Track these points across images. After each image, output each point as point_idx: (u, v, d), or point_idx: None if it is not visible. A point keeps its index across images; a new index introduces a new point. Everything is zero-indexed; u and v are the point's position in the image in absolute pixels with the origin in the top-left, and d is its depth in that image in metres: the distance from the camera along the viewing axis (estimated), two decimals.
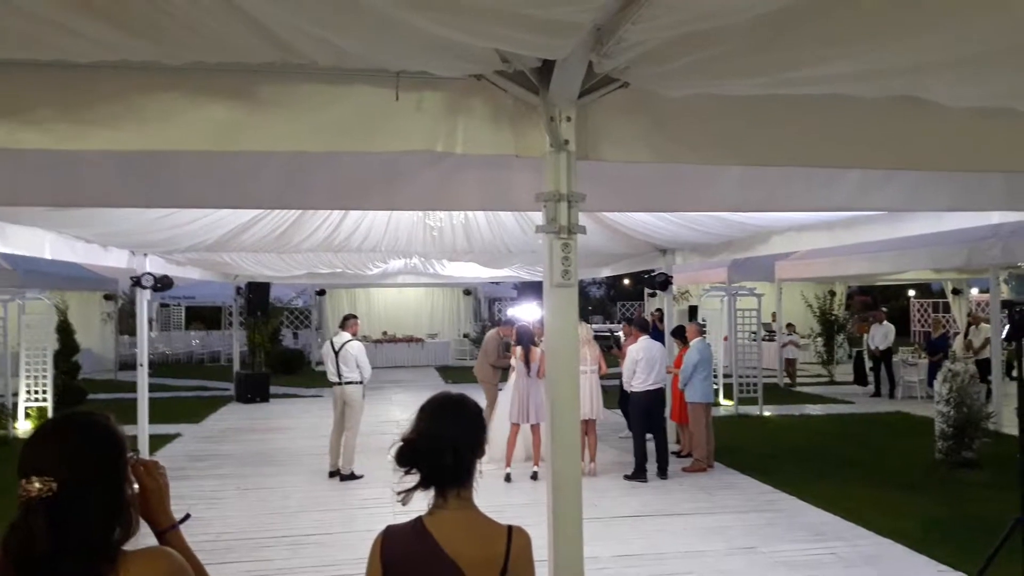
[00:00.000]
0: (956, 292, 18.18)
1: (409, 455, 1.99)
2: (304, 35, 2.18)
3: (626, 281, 38.23)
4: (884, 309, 18.80)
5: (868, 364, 16.83)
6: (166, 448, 10.71)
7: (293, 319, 24.74)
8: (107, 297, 21.41)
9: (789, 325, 18.49)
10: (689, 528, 7.00)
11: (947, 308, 19.87)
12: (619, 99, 2.72)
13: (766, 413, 13.51)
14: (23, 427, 11.94)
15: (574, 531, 2.73)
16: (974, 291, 19.60)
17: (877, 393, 16.04)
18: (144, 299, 9.74)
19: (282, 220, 7.74)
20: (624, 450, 9.60)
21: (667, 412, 9.72)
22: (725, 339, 14.69)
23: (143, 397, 9.54)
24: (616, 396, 11.02)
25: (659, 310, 13.86)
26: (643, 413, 8.89)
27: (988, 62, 2.29)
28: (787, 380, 17.74)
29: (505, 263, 12.85)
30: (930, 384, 13.10)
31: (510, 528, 2.01)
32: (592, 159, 2.79)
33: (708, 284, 17.22)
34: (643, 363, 8.85)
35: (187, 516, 1.82)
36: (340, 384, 8.95)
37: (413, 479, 1.99)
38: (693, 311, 16.80)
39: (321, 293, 24.17)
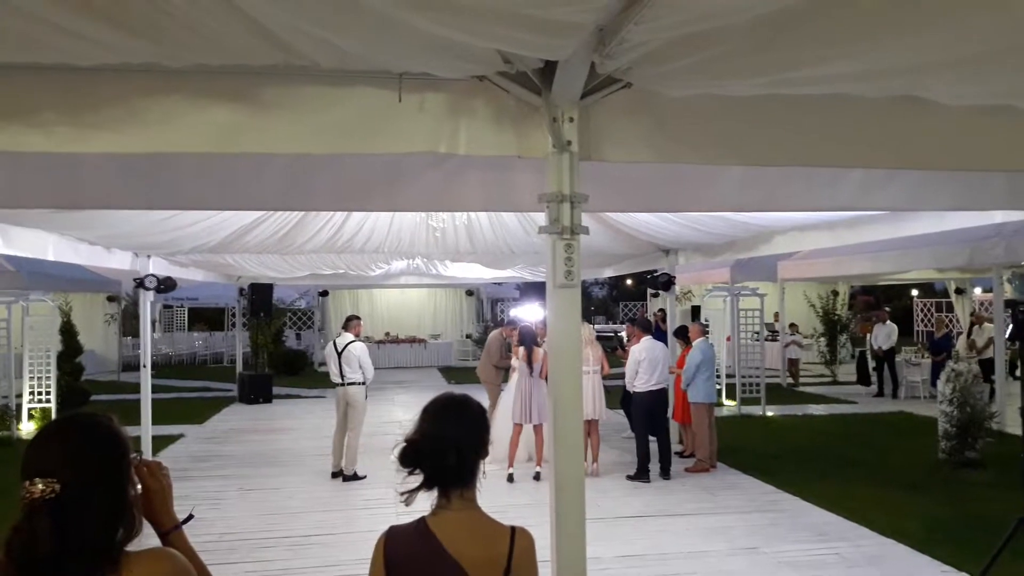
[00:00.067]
0: (959, 292, 18.16)
1: (412, 456, 1.99)
2: (304, 36, 2.18)
3: (629, 281, 38.24)
4: (887, 309, 18.76)
5: (871, 364, 16.81)
6: (169, 449, 10.73)
7: (296, 320, 24.77)
8: (110, 299, 21.43)
9: (792, 325, 18.47)
10: (692, 528, 7.00)
11: (950, 308, 19.84)
12: (621, 100, 2.72)
13: (769, 413, 13.50)
14: (27, 428, 11.96)
15: (577, 531, 2.73)
16: (977, 291, 19.57)
17: (880, 393, 16.01)
18: (147, 300, 9.76)
19: (285, 222, 7.75)
20: (626, 450, 9.60)
21: (670, 412, 9.71)
22: (728, 339, 14.68)
23: (146, 398, 9.56)
24: (619, 396, 11.01)
25: (662, 310, 13.85)
26: (646, 413, 8.88)
27: (988, 61, 2.29)
28: (790, 380, 17.71)
29: (508, 264, 12.86)
30: (933, 384, 13.08)
31: (513, 529, 2.01)
32: (595, 160, 2.80)
33: (711, 284, 17.21)
34: (646, 363, 8.84)
35: (190, 517, 1.82)
36: (343, 385, 8.96)
37: (416, 480, 1.99)
38: (696, 311, 16.80)
39: (324, 294, 24.19)
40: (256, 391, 15.77)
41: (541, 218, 2.82)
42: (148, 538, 1.65)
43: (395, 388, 17.84)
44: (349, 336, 9.07)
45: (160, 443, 10.53)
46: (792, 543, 6.52)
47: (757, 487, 8.46)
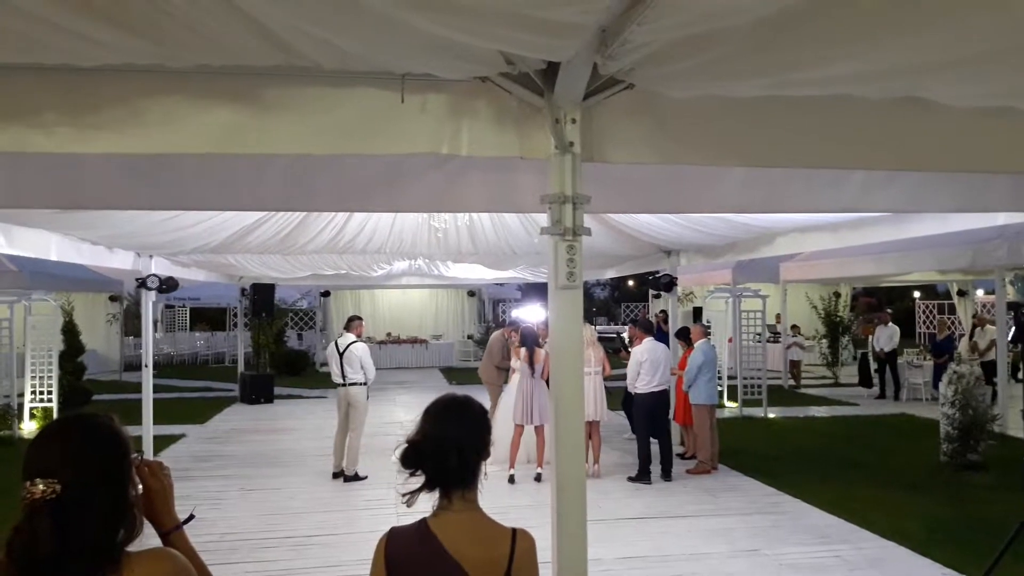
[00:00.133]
0: (961, 293, 18.13)
1: (414, 457, 1.99)
2: (305, 36, 2.18)
3: (630, 282, 38.22)
4: (889, 311, 18.74)
5: (873, 366, 16.80)
6: (170, 449, 10.73)
7: (298, 320, 24.78)
8: (112, 298, 21.46)
9: (794, 327, 18.46)
10: (693, 530, 6.99)
11: (952, 310, 19.81)
12: (624, 101, 2.72)
13: (770, 415, 13.49)
14: (28, 428, 11.97)
15: (578, 533, 2.73)
16: (979, 292, 19.54)
17: (882, 395, 16.00)
18: (149, 300, 9.77)
19: (287, 222, 7.75)
20: (628, 452, 9.59)
21: (671, 414, 9.70)
22: (730, 341, 14.67)
23: (148, 398, 9.56)
24: (620, 398, 11.00)
25: (664, 312, 13.85)
26: (647, 415, 8.88)
27: (989, 61, 2.29)
28: (792, 382, 17.70)
29: (510, 265, 12.86)
30: (935, 386, 13.07)
31: (514, 531, 2.01)
32: (597, 161, 2.79)
33: (713, 285, 17.19)
34: (647, 365, 8.84)
35: (191, 517, 1.82)
36: (344, 385, 8.96)
37: (418, 480, 1.99)
38: (698, 313, 16.81)
39: (326, 295, 24.20)
40: (258, 391, 15.79)
41: (543, 219, 2.81)
42: (149, 538, 1.65)
43: (396, 389, 17.84)
44: (351, 336, 9.08)
45: (161, 443, 10.53)
46: (793, 545, 6.52)
47: (758, 489, 8.45)
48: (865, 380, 17.04)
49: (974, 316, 16.63)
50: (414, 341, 24.38)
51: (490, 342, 11.47)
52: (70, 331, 14.66)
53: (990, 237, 10.02)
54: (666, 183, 4.41)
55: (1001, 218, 6.05)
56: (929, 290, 26.91)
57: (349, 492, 8.44)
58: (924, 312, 23.05)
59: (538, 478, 8.69)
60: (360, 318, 9.58)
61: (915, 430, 12.02)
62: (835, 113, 2.84)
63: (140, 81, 2.47)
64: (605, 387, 9.24)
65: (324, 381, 15.89)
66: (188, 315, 27.96)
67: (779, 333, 18.67)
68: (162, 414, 11.14)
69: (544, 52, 2.36)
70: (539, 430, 8.76)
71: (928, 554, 6.16)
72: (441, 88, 2.66)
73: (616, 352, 12.68)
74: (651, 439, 8.90)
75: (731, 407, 13.89)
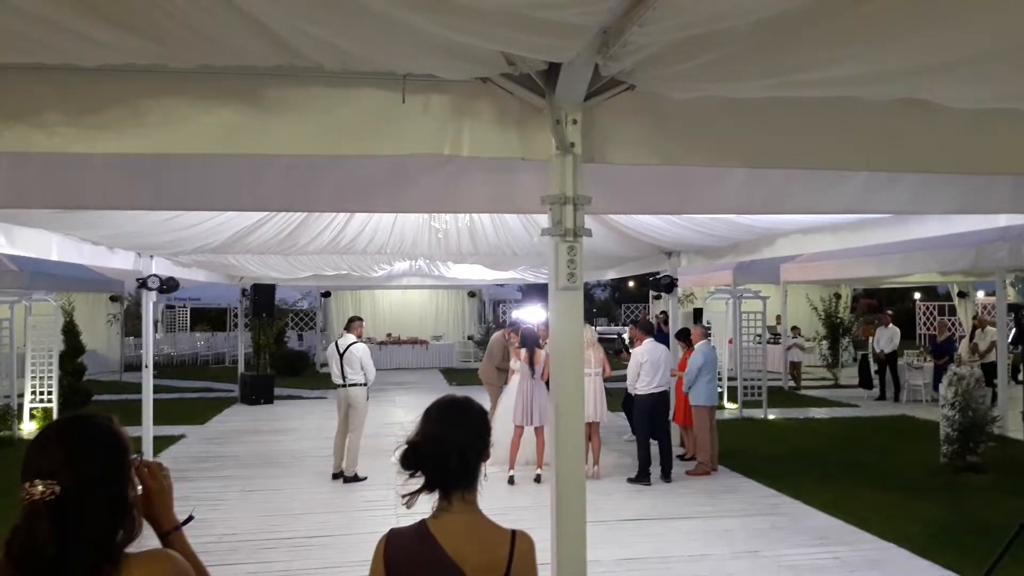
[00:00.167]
0: (962, 295, 18.13)
1: (414, 458, 1.99)
2: (306, 36, 2.18)
3: (631, 283, 38.22)
4: (889, 312, 18.74)
5: (873, 367, 16.79)
6: (170, 449, 10.73)
7: (298, 321, 24.78)
8: (113, 299, 21.46)
9: (794, 328, 18.46)
10: (692, 531, 6.99)
11: (952, 311, 19.81)
12: (625, 102, 2.72)
13: (770, 416, 13.48)
14: (28, 428, 11.97)
15: (577, 534, 2.73)
16: (980, 294, 19.54)
17: (882, 396, 16.00)
18: (150, 301, 9.77)
19: (288, 222, 7.75)
20: (627, 453, 9.59)
21: (671, 415, 9.69)
22: (730, 342, 14.67)
23: (148, 398, 9.56)
24: (620, 399, 10.99)
25: (664, 312, 13.85)
26: (647, 416, 8.87)
27: (990, 63, 2.29)
28: (792, 383, 17.69)
29: (510, 265, 12.86)
30: (935, 388, 13.06)
31: (514, 532, 2.01)
32: (598, 162, 2.80)
33: (713, 287, 17.18)
34: (647, 366, 8.83)
35: (190, 518, 1.81)
36: (344, 386, 8.96)
37: (417, 482, 1.99)
38: (698, 314, 16.80)
39: (326, 295, 24.20)
40: (258, 392, 15.78)
41: (543, 219, 2.81)
42: (148, 539, 1.65)
43: (396, 389, 17.84)
44: (351, 337, 9.08)
45: (161, 443, 10.53)
46: (793, 547, 6.51)
47: (758, 490, 8.45)
48: (865, 381, 17.04)
49: (974, 317, 16.63)
50: (414, 342, 24.37)
51: (490, 343, 11.47)
52: (70, 331, 14.65)
53: (991, 239, 10.01)
54: (667, 184, 4.41)
55: (1002, 220, 6.04)
56: (930, 291, 26.92)
57: (349, 493, 8.44)
58: (924, 313, 23.05)
59: (538, 479, 8.68)
60: (360, 319, 9.58)
61: (915, 432, 12.01)
62: (836, 114, 2.85)
63: (141, 81, 2.48)
64: (605, 388, 9.24)
65: (324, 382, 15.89)
66: (189, 315, 27.97)
67: (779, 334, 18.67)
68: (162, 415, 11.13)
69: (545, 53, 2.37)
70: (539, 431, 8.75)
71: (927, 556, 6.16)
72: (443, 89, 2.66)
73: (617, 353, 12.68)
74: (651, 440, 8.89)
75: (731, 408, 13.88)
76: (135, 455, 1.66)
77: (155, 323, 16.43)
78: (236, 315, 20.20)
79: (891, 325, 16.29)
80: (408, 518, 2.04)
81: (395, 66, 2.52)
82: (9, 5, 1.89)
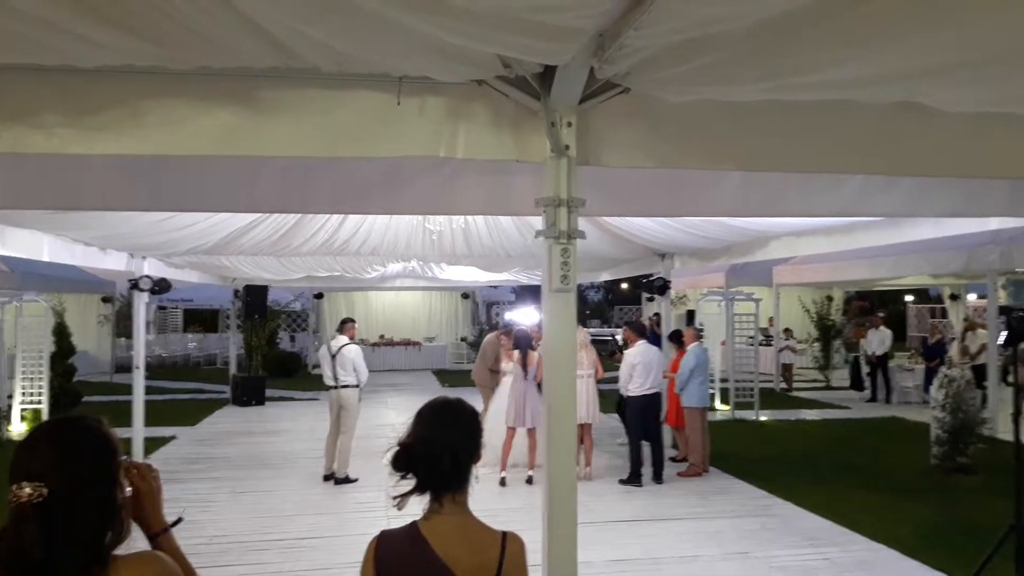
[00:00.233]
0: (954, 297, 18.22)
1: (405, 459, 1.99)
2: (302, 38, 2.18)
3: (624, 285, 38.26)
4: (881, 314, 18.82)
5: (865, 369, 16.86)
6: (161, 451, 10.69)
7: (290, 322, 24.72)
8: (105, 299, 21.37)
9: (786, 330, 18.52)
10: (684, 533, 7.00)
11: (944, 313, 19.90)
12: (620, 105, 2.73)
13: (762, 418, 13.52)
14: (18, 429, 11.90)
15: (568, 535, 2.73)
16: (971, 296, 19.64)
17: (873, 398, 16.07)
18: (141, 302, 9.72)
19: (281, 223, 7.74)
20: (619, 454, 9.60)
21: (662, 416, 9.70)
22: (722, 344, 14.71)
23: (139, 400, 9.52)
24: (612, 400, 11.00)
25: (657, 314, 13.87)
26: (639, 417, 8.89)
27: (986, 66, 2.30)
28: (784, 385, 17.75)
29: (504, 267, 12.86)
30: (926, 389, 13.11)
31: (504, 534, 2.01)
32: (592, 164, 2.80)
33: (706, 289, 17.23)
34: (640, 367, 8.85)
35: (179, 519, 1.81)
36: (336, 388, 8.94)
37: (409, 483, 1.99)
38: (691, 316, 16.81)
39: (319, 296, 24.14)
40: (249, 393, 15.73)
41: (538, 221, 2.82)
42: (137, 541, 1.64)
43: (389, 391, 17.81)
44: (343, 339, 9.06)
45: (152, 445, 10.49)
46: (783, 548, 6.53)
47: (749, 492, 8.47)
48: (857, 383, 17.11)
49: (965, 320, 16.71)
50: (407, 343, 24.34)
51: (483, 345, 11.46)
52: (61, 332, 14.58)
53: (983, 242, 10.07)
54: (662, 187, 4.41)
55: (994, 223, 6.06)
56: (921, 294, 27.03)
57: (340, 494, 8.42)
58: (916, 316, 23.15)
59: (530, 481, 8.68)
60: (353, 320, 9.56)
61: (906, 433, 12.06)
62: (832, 117, 2.86)
63: (139, 83, 2.47)
64: (598, 390, 9.25)
65: (316, 383, 15.85)
66: (181, 317, 27.87)
67: (771, 336, 18.72)
68: (153, 416, 11.07)
69: (541, 56, 2.37)
70: (531, 433, 8.75)
71: (917, 557, 6.19)
72: (438, 91, 2.66)
73: (611, 354, 12.69)
74: (643, 441, 8.91)
75: (723, 410, 13.92)
76: (124, 456, 1.65)
77: (147, 324, 16.37)
78: (228, 316, 20.12)
79: (883, 327, 16.36)
80: (399, 520, 2.04)
81: (391, 68, 2.52)
82: (7, 6, 1.88)
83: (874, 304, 25.59)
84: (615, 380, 9.66)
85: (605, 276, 14.00)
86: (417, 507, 2.01)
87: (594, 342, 10.29)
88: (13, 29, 2.03)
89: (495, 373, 10.68)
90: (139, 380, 9.60)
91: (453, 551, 1.94)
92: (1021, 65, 2.26)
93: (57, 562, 1.47)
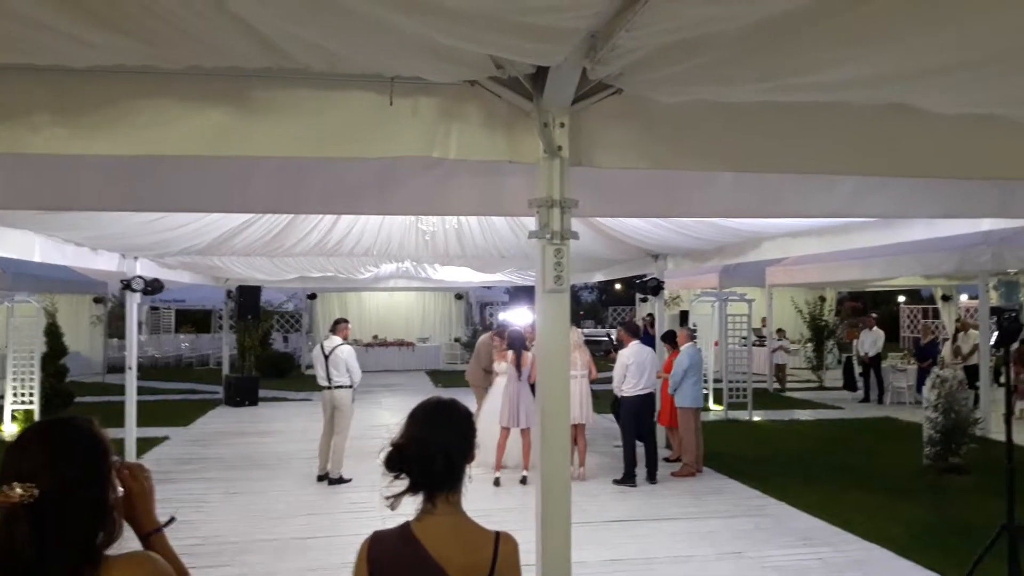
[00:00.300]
0: (946, 298, 18.28)
1: (399, 460, 1.98)
2: (294, 38, 2.18)
3: (618, 286, 38.27)
4: (874, 315, 18.87)
5: (857, 370, 16.92)
6: (153, 451, 10.65)
7: (283, 323, 24.66)
8: (97, 300, 21.28)
9: (779, 331, 18.56)
10: (677, 533, 7.01)
11: (936, 314, 19.97)
12: (613, 105, 2.73)
13: (756, 418, 13.55)
14: (9, 430, 11.85)
15: (562, 535, 2.73)
16: (963, 297, 19.71)
17: (866, 399, 16.11)
18: (134, 302, 9.70)
19: (274, 224, 7.72)
20: (613, 455, 9.60)
21: (656, 416, 9.71)
22: (716, 344, 14.73)
23: (131, 400, 9.49)
24: (606, 400, 11.01)
25: (650, 315, 13.89)
26: (633, 417, 8.90)
27: (978, 69, 2.31)
28: (777, 385, 17.79)
29: (497, 268, 12.86)
30: (919, 390, 13.17)
31: (497, 534, 2.01)
32: (585, 165, 2.80)
33: (699, 289, 17.25)
34: (633, 367, 8.86)
35: (172, 519, 1.81)
36: (330, 388, 8.93)
37: (402, 484, 1.98)
38: (684, 316, 16.84)
39: (312, 297, 24.09)
40: (242, 394, 15.69)
41: (531, 222, 2.82)
42: (129, 541, 1.64)
43: (382, 391, 17.78)
44: (337, 339, 9.05)
45: (144, 445, 10.45)
46: (777, 548, 6.55)
47: (743, 492, 8.48)
48: (849, 384, 17.16)
49: (957, 320, 16.77)
50: (400, 344, 24.31)
51: (478, 345, 11.47)
52: (53, 333, 14.52)
53: (975, 243, 10.12)
54: (654, 187, 4.42)
55: (986, 224, 6.10)
56: (914, 295, 27.11)
57: (333, 495, 8.41)
58: (908, 316, 23.23)
59: (523, 481, 8.68)
60: (346, 321, 9.56)
61: (898, 433, 12.11)
62: (826, 118, 2.86)
63: (131, 83, 2.47)
64: (592, 390, 9.25)
65: (309, 384, 15.82)
66: (173, 317, 27.77)
67: (764, 337, 18.77)
68: (145, 416, 11.05)
69: (533, 57, 2.37)
70: (525, 433, 8.75)
71: (910, 556, 6.20)
72: (431, 91, 2.66)
73: (606, 354, 12.70)
74: (637, 441, 8.92)
75: (716, 410, 13.95)
76: (116, 457, 1.65)
77: (139, 325, 16.31)
78: (221, 317, 20.06)
79: (875, 328, 16.41)
80: (392, 520, 2.04)
81: (383, 68, 2.52)
82: (2, 8, 1.87)
83: (867, 305, 25.68)
84: (609, 380, 9.67)
85: (599, 277, 14.02)
86: (410, 507, 2.01)
87: (588, 343, 10.29)
88: (4, 29, 2.02)
89: (489, 373, 10.69)
90: (131, 381, 9.57)
91: (446, 551, 1.94)
92: (1021, 65, 2.26)
93: (48, 563, 1.47)
